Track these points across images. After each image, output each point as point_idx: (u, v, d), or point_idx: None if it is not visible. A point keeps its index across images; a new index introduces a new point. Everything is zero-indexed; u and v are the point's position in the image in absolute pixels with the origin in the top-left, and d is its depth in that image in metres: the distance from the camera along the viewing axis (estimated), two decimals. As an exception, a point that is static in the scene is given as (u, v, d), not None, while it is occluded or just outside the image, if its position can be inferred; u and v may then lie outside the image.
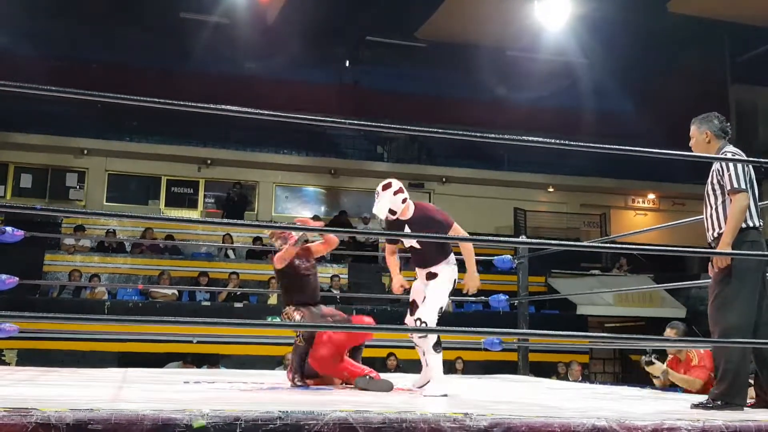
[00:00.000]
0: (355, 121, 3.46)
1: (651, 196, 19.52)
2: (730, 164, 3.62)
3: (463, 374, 9.24)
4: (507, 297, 7.15)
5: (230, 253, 13.90)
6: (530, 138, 3.62)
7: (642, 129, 16.90)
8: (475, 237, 3.74)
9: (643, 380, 5.73)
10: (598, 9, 14.89)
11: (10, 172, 16.00)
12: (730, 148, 3.77)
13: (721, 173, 3.68)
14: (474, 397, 4.30)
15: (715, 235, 3.72)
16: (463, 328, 3.51)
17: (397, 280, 4.64)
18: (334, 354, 4.53)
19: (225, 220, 4.42)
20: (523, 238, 6.62)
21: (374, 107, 17.46)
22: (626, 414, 2.93)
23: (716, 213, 3.70)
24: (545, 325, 11.47)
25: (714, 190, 3.73)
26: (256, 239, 14.11)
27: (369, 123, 3.66)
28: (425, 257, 4.49)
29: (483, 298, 7.32)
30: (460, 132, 3.49)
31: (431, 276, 4.44)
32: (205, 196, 16.95)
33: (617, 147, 3.52)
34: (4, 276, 6.12)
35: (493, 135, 3.56)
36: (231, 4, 15.05)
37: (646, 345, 6.04)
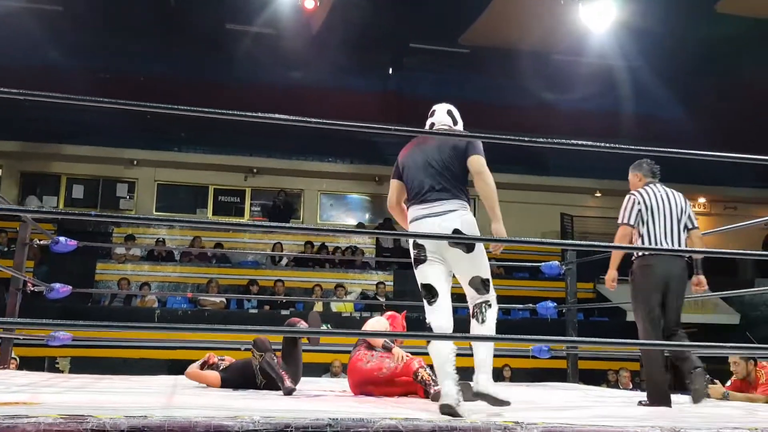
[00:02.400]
0: (400, 128, 3.46)
1: (701, 200, 19.09)
2: (624, 202, 4.66)
3: (511, 382, 9.16)
4: (555, 304, 7.07)
5: (280, 260, 14.05)
6: (578, 142, 3.55)
7: (689, 132, 16.57)
8: (523, 239, 3.62)
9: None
10: (644, 11, 14.64)
11: (63, 184, 16.42)
12: (655, 186, 4.77)
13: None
14: (524, 406, 4.25)
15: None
16: (511, 336, 3.46)
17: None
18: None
19: (273, 224, 4.46)
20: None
21: (418, 114, 17.40)
22: (681, 422, 2.86)
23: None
24: (594, 332, 11.31)
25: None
26: (307, 243, 14.23)
27: (414, 129, 3.66)
28: None
29: (531, 305, 7.25)
30: (506, 137, 3.46)
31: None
32: (251, 205, 17.14)
33: (667, 150, 3.45)
34: (57, 285, 6.27)
35: (540, 139, 3.53)
36: (276, 14, 15.18)
37: (698, 352, 5.86)
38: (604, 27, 14.56)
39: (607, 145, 3.41)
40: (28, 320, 5.30)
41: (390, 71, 18.63)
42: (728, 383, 5.78)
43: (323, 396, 4.50)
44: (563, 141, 3.49)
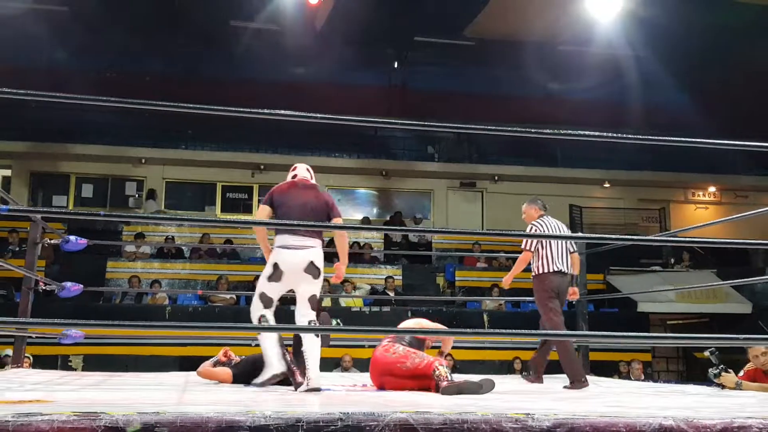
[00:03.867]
0: (406, 122, 3.46)
1: (712, 189, 19.00)
2: (526, 232, 5.65)
3: (522, 374, 9.14)
4: (565, 295, 7.04)
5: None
6: (586, 132, 3.53)
7: (698, 121, 16.49)
8: (533, 234, 3.70)
9: (710, 379, 5.51)
10: (651, 0, 14.58)
11: (72, 183, 16.50)
12: (548, 218, 5.83)
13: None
14: (535, 397, 4.25)
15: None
16: (520, 331, 3.44)
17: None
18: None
19: (276, 221, 4.52)
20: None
21: (424, 107, 17.43)
22: (694, 412, 2.85)
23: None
24: (605, 323, 11.29)
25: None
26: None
27: (419, 123, 3.65)
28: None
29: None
30: (512, 128, 3.45)
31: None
32: (259, 201, 17.16)
33: (679, 139, 3.42)
34: (69, 283, 6.29)
35: (547, 131, 3.51)
36: (280, 10, 15.20)
37: (708, 343, 5.80)
38: (611, 16, 14.48)
39: (616, 135, 3.39)
40: (41, 319, 5.34)
41: (395, 65, 18.60)
42: (741, 373, 5.73)
43: (334, 390, 4.51)
44: (570, 132, 3.47)
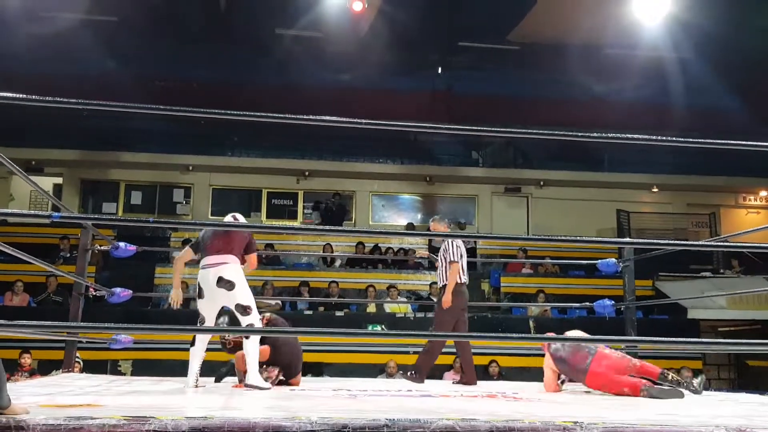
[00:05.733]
0: (450, 127, 3.44)
1: (763, 193, 18.52)
2: (449, 246, 6.24)
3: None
4: (613, 302, 6.93)
5: (333, 261, 14.14)
6: (634, 135, 3.46)
7: (746, 124, 16.09)
8: (578, 238, 3.67)
9: (763, 386, 5.38)
10: (698, 1, 14.29)
11: (122, 190, 16.83)
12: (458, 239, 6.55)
13: (446, 249, 6.27)
14: (582, 406, 4.18)
15: (440, 285, 6.41)
16: (570, 337, 3.37)
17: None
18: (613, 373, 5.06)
19: (327, 227, 4.79)
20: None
21: (468, 112, 17.36)
22: (746, 421, 2.77)
23: (443, 271, 6.29)
24: (654, 330, 11.07)
25: (443, 257, 6.29)
26: (358, 244, 14.28)
27: (464, 128, 3.64)
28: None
29: (588, 303, 7.13)
30: (558, 132, 3.40)
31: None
32: (303, 207, 17.29)
33: (730, 142, 3.34)
34: (118, 289, 6.41)
35: (593, 134, 3.46)
36: (324, 17, 15.29)
37: (761, 349, 5.66)
38: (657, 19, 14.24)
39: (665, 138, 3.32)
40: (91, 324, 5.44)
41: (439, 70, 18.56)
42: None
43: (380, 396, 4.51)
44: (618, 135, 3.41)
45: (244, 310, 5.04)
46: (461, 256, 6.27)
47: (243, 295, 5.09)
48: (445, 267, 6.28)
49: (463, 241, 6.68)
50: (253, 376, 4.91)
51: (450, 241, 6.34)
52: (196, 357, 5.14)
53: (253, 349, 4.92)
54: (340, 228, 14.00)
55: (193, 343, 5.18)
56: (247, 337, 4.98)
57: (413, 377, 6.14)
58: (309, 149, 17.03)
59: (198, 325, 5.21)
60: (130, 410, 2.70)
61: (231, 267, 5.13)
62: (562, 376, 5.51)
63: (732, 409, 3.97)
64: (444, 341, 6.53)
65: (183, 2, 15.37)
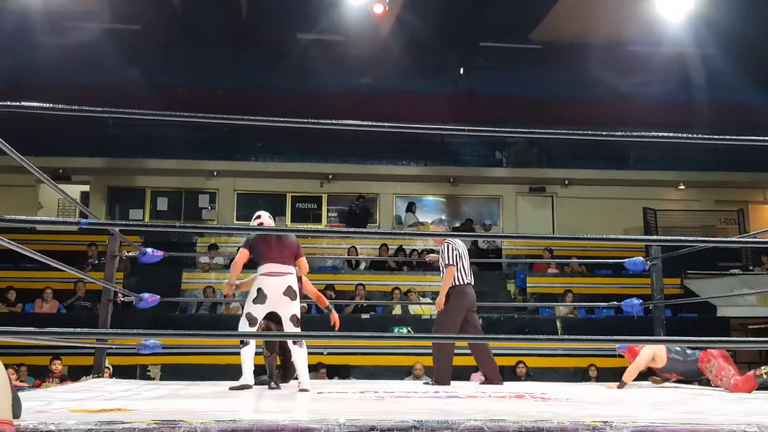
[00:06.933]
0: (473, 128, 3.44)
1: (794, 189, 18.25)
2: (444, 249, 6.26)
3: (597, 381, 8.95)
4: (641, 301, 6.87)
5: (358, 264, 14.16)
6: (660, 134, 3.43)
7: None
8: (605, 237, 3.64)
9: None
10: (722, -3, 14.11)
11: (147, 197, 17.00)
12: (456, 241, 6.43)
13: (442, 251, 6.28)
14: (611, 405, 4.15)
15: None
16: (595, 337, 3.37)
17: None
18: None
19: (351, 229, 4.91)
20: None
21: (491, 113, 17.29)
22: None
23: (441, 273, 6.32)
24: (683, 329, 10.95)
25: (441, 260, 6.32)
26: (382, 247, 14.28)
27: (488, 129, 3.63)
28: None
29: (615, 302, 7.07)
30: (582, 131, 3.38)
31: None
32: (328, 211, 17.34)
33: (759, 138, 3.29)
34: (146, 295, 6.48)
35: (618, 133, 3.43)
36: (345, 21, 15.31)
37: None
38: (680, 16, 14.10)
39: (692, 135, 3.28)
40: (120, 330, 5.50)
41: (461, 71, 18.51)
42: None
43: (407, 397, 4.51)
44: (643, 133, 3.39)
45: (297, 321, 5.34)
46: (459, 257, 6.29)
47: (299, 306, 5.43)
48: (442, 269, 6.35)
49: (465, 242, 6.71)
50: (306, 380, 5.23)
51: (446, 243, 6.32)
52: (249, 356, 5.37)
53: (304, 356, 5.26)
54: (356, 230, 14.02)
55: (245, 343, 5.37)
56: (298, 344, 5.28)
57: (437, 383, 6.18)
58: (332, 153, 17.07)
59: (247, 326, 5.32)
60: (160, 414, 2.73)
61: (295, 277, 5.43)
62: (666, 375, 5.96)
63: (763, 406, 3.92)
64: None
65: (205, 10, 15.47)
